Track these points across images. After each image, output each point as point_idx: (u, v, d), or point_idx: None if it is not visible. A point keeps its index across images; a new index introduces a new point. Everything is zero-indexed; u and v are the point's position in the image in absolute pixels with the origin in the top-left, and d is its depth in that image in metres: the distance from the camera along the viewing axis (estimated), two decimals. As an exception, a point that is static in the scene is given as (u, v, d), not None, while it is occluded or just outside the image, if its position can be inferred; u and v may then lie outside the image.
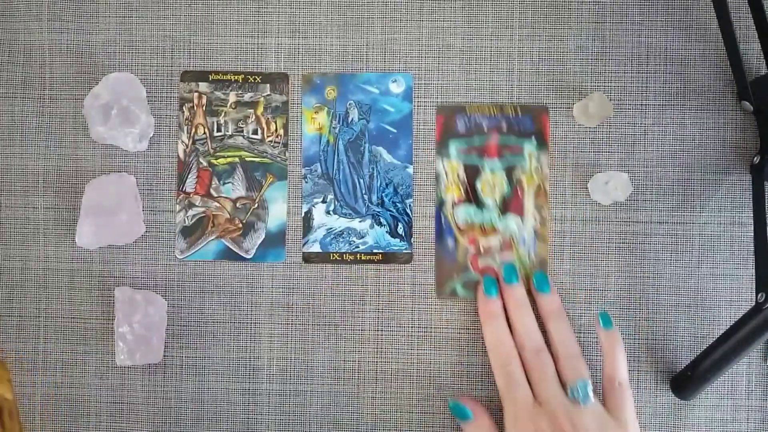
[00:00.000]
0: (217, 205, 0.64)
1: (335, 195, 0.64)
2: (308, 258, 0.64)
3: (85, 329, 0.64)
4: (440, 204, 0.63)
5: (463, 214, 0.63)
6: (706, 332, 0.63)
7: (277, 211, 0.64)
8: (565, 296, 0.63)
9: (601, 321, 0.60)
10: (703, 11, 0.63)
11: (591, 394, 0.58)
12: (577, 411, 0.58)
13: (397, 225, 0.63)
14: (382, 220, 0.63)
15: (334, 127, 0.64)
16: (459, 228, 0.63)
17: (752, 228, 0.60)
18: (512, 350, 0.60)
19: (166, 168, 0.64)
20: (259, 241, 0.64)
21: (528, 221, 0.63)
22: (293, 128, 0.64)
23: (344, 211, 0.64)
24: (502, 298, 0.62)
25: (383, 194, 0.64)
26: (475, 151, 0.63)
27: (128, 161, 0.64)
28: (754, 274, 0.60)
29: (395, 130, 0.64)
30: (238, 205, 0.64)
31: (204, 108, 0.64)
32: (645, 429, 0.63)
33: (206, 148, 0.64)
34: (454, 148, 0.63)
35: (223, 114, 0.64)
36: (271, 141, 0.64)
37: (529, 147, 0.63)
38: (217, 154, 0.64)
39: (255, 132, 0.64)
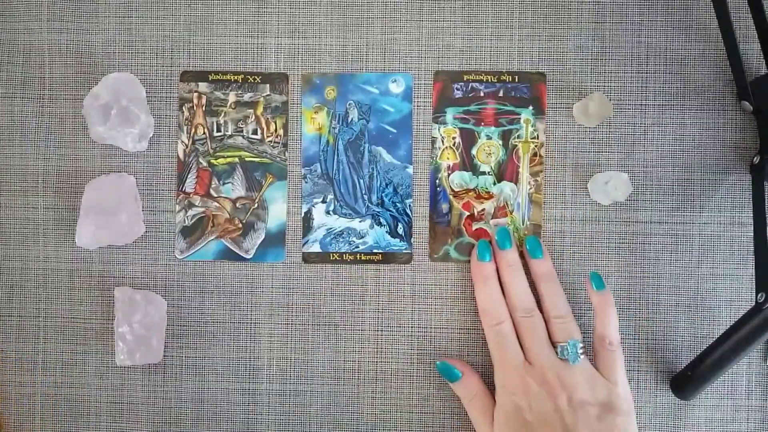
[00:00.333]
0: (217, 205, 0.64)
1: (335, 195, 0.64)
2: (308, 258, 0.64)
3: (85, 329, 0.64)
4: (435, 169, 0.63)
5: (458, 179, 0.63)
6: (706, 332, 0.63)
7: (277, 211, 0.64)
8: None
9: (593, 283, 0.60)
10: (703, 11, 0.63)
11: (581, 353, 0.58)
12: (566, 369, 0.58)
13: (397, 225, 0.63)
14: (381, 220, 0.63)
15: (334, 127, 0.64)
16: (454, 192, 0.63)
17: (752, 228, 0.60)
18: (503, 310, 0.60)
19: (166, 168, 0.64)
20: (259, 241, 0.64)
21: (523, 187, 0.63)
22: (293, 128, 0.64)
23: (344, 211, 0.64)
24: (496, 263, 0.62)
25: (383, 194, 0.64)
26: (472, 117, 0.63)
27: (128, 161, 0.64)
28: (754, 274, 0.60)
29: (395, 130, 0.64)
30: (237, 205, 0.64)
31: (204, 108, 0.64)
32: (645, 429, 0.63)
33: (206, 148, 0.64)
34: (450, 114, 0.63)
35: (222, 114, 0.64)
36: (270, 141, 0.64)
37: (526, 114, 0.63)
38: (217, 154, 0.64)
39: (255, 132, 0.64)
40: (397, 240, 0.63)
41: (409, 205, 0.63)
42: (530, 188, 0.63)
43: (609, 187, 0.62)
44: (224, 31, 0.64)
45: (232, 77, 0.64)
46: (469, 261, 0.63)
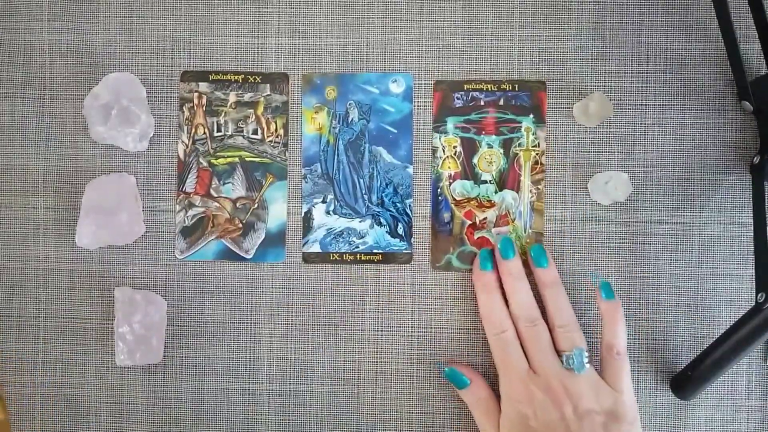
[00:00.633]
0: (217, 205, 0.64)
1: (335, 195, 0.64)
2: (308, 258, 0.64)
3: (85, 329, 0.64)
4: (437, 178, 0.63)
5: (459, 188, 0.63)
6: (706, 332, 0.63)
7: (277, 211, 0.64)
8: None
9: (603, 292, 0.60)
10: (703, 11, 0.63)
11: (586, 362, 0.58)
12: (571, 378, 0.58)
13: (397, 225, 0.63)
14: (381, 220, 0.63)
15: (334, 127, 0.64)
16: (455, 201, 0.63)
17: (752, 228, 0.60)
18: (506, 318, 0.60)
19: (166, 168, 0.64)
20: (259, 241, 0.64)
21: (524, 195, 0.63)
22: (293, 128, 0.64)
23: (344, 211, 0.64)
24: (498, 271, 0.62)
25: (383, 194, 0.64)
26: (473, 126, 0.63)
27: (128, 161, 0.64)
28: (754, 274, 0.60)
29: (395, 130, 0.64)
30: (238, 205, 0.64)
31: (204, 108, 0.64)
32: (645, 429, 0.63)
33: (206, 148, 0.64)
34: (450, 123, 0.63)
35: (223, 114, 0.64)
36: (271, 141, 0.64)
37: (527, 122, 0.63)
38: (217, 154, 0.64)
39: (255, 132, 0.64)
40: (397, 240, 0.63)
41: (409, 205, 0.63)
42: (532, 196, 0.63)
43: (609, 187, 0.62)
44: (224, 31, 0.64)
45: (232, 77, 0.64)
46: (471, 270, 0.63)
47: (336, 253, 0.64)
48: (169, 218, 0.64)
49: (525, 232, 0.63)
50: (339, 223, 0.64)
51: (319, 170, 0.64)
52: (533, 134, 0.63)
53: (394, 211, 0.64)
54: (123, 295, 0.62)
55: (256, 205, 0.64)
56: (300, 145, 0.64)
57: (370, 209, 0.64)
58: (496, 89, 0.63)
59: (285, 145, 0.64)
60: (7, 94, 0.64)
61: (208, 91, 0.64)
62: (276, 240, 0.64)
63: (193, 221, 0.64)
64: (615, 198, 0.63)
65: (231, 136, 0.64)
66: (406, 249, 0.63)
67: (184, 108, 0.64)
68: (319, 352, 0.64)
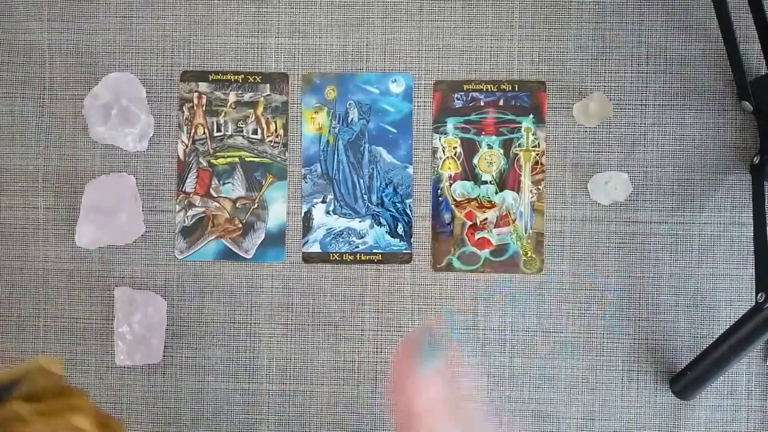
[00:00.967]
0: (217, 205, 0.64)
1: (335, 195, 0.64)
2: (308, 258, 0.64)
3: (85, 329, 0.64)
4: (437, 179, 0.63)
5: (460, 189, 0.63)
6: (706, 332, 0.63)
7: (277, 211, 0.64)
8: (566, 296, 0.63)
9: None
10: (703, 11, 0.63)
11: None
12: None
13: (397, 225, 0.63)
14: (381, 220, 0.63)
15: (334, 127, 0.64)
16: (456, 202, 0.63)
17: (752, 228, 0.59)
18: None
19: (166, 168, 0.64)
20: (259, 241, 0.64)
21: (525, 195, 0.63)
22: (293, 128, 0.64)
23: (344, 211, 0.64)
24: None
25: (383, 194, 0.64)
26: (473, 126, 0.63)
27: (128, 161, 0.64)
28: (754, 274, 0.60)
29: (395, 130, 0.64)
30: (238, 205, 0.64)
31: (204, 108, 0.64)
32: (645, 429, 0.63)
33: (206, 148, 0.64)
34: (450, 124, 0.63)
35: (223, 114, 0.64)
36: (271, 141, 0.64)
37: (527, 122, 0.63)
38: (217, 154, 0.64)
39: (255, 132, 0.64)
40: (397, 240, 0.63)
41: (409, 205, 0.63)
42: (532, 197, 0.63)
43: (609, 187, 0.62)
44: (224, 31, 0.64)
45: (232, 77, 0.64)
46: (472, 271, 0.63)
47: (336, 253, 0.64)
48: (169, 218, 0.64)
49: (525, 233, 0.63)
50: (339, 223, 0.64)
51: (319, 170, 0.64)
52: (533, 134, 0.63)
53: (394, 211, 0.64)
54: (123, 295, 0.62)
55: (256, 205, 0.64)
56: (300, 145, 0.64)
57: (370, 209, 0.64)
58: (495, 89, 0.63)
59: (285, 145, 0.64)
60: (7, 94, 0.64)
61: (207, 91, 0.64)
62: (276, 240, 0.64)
63: (192, 221, 0.64)
64: (615, 198, 0.63)
65: (231, 136, 0.64)
66: (405, 249, 0.63)
67: (183, 108, 0.64)
68: (319, 352, 0.64)
